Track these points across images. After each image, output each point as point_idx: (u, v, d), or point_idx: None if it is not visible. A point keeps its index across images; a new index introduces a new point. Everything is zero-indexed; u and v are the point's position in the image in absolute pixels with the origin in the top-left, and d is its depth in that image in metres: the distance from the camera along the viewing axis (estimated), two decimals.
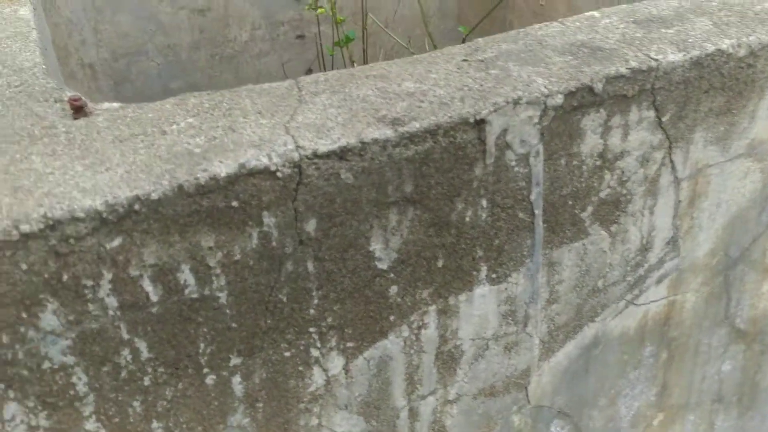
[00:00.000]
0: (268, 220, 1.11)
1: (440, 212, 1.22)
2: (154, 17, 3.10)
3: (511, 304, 1.38)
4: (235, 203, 1.08)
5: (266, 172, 1.08)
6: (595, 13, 1.46)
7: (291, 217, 1.13)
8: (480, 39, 1.39)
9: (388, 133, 1.12)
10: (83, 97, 1.22)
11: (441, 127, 1.15)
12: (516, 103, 1.19)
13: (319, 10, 2.56)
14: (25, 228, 0.98)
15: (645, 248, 1.44)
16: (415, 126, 1.14)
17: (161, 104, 1.23)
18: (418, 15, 3.47)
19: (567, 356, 1.50)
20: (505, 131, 1.20)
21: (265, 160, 1.07)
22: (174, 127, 1.16)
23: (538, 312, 1.41)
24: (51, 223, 0.99)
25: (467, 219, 1.25)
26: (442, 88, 1.22)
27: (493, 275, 1.33)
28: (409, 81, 1.25)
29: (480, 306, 1.35)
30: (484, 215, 1.26)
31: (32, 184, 1.04)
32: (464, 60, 1.30)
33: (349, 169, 1.12)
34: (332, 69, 3.04)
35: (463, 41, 2.31)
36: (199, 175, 1.05)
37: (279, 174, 1.08)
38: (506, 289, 1.36)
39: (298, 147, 1.10)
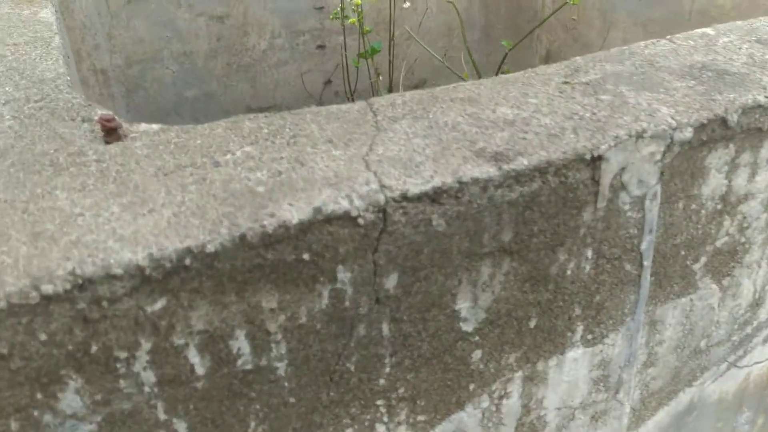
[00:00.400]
0: (343, 275, 0.88)
1: (539, 264, 1.00)
2: (171, 23, 2.87)
3: (605, 369, 1.16)
4: (306, 256, 0.85)
5: (346, 218, 0.85)
6: (709, 30, 1.24)
7: (369, 272, 0.90)
8: (578, 58, 1.16)
9: (490, 171, 0.90)
10: (116, 117, 0.98)
11: (552, 165, 0.93)
12: (639, 136, 0.96)
13: (350, 21, 2.33)
14: (47, 289, 0.74)
15: (756, 304, 1.22)
16: (522, 163, 0.91)
17: (210, 128, 1.00)
18: (442, 27, 3.25)
19: (657, 425, 1.27)
20: (622, 170, 0.98)
21: (344, 204, 0.85)
22: (228, 157, 0.93)
23: (632, 376, 1.18)
24: (80, 282, 0.76)
25: (568, 272, 1.03)
26: (546, 116, 1.00)
27: (589, 336, 1.11)
28: (504, 106, 1.03)
29: (571, 371, 1.12)
30: (587, 267, 1.04)
31: (57, 228, 0.80)
32: (565, 82, 1.08)
33: (443, 215, 0.89)
34: (356, 81, 2.81)
35: (506, 56, 2.09)
36: (265, 222, 0.82)
37: (361, 220, 0.85)
38: (601, 351, 1.14)
39: (382, 187, 0.87)
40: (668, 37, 1.23)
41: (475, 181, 0.89)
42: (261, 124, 1.00)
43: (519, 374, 1.08)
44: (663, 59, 1.14)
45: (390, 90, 2.67)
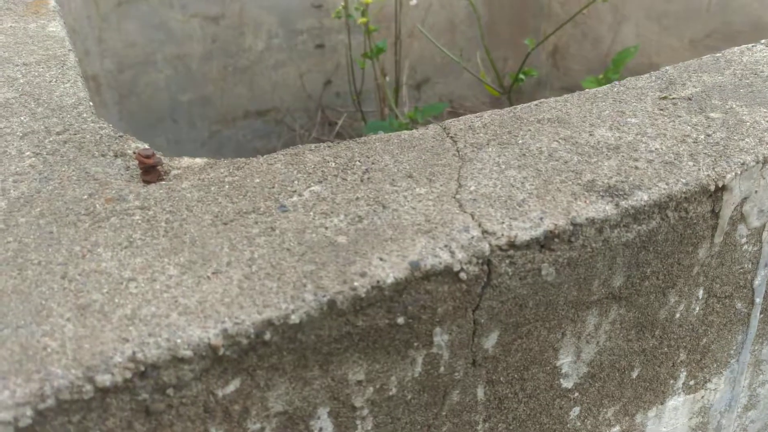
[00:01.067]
0: (440, 338, 0.74)
1: (648, 309, 0.86)
2: (163, 25, 2.69)
3: (704, 415, 1.02)
4: (400, 319, 0.70)
5: (447, 274, 0.70)
6: None
7: (468, 332, 0.75)
8: (668, 68, 1.02)
9: (607, 209, 0.76)
10: (155, 151, 0.83)
11: (673, 199, 0.79)
12: (766, 161, 0.83)
13: (360, 21, 2.18)
14: (103, 380, 0.59)
15: None
16: (641, 198, 0.77)
17: (267, 163, 0.85)
18: (444, 23, 3.10)
19: None
20: (744, 200, 0.84)
21: (445, 256, 0.70)
22: (296, 199, 0.78)
23: (732, 421, 1.05)
24: (142, 368, 0.61)
25: (677, 315, 0.89)
26: (654, 140, 0.86)
27: (692, 382, 0.98)
28: (601, 128, 0.89)
29: (670, 421, 0.99)
30: (697, 308, 0.90)
31: (106, 299, 0.65)
32: (663, 97, 0.94)
33: (553, 262, 0.75)
34: (362, 82, 2.66)
35: (527, 56, 1.95)
36: (356, 283, 0.67)
37: (463, 275, 0.71)
38: (702, 397, 1.00)
39: (485, 233, 0.73)
40: (764, 41, 1.09)
41: (591, 222, 0.75)
42: (326, 157, 0.85)
43: (616, 429, 0.95)
44: (767, 67, 1.01)
45: (396, 91, 2.52)
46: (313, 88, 3.00)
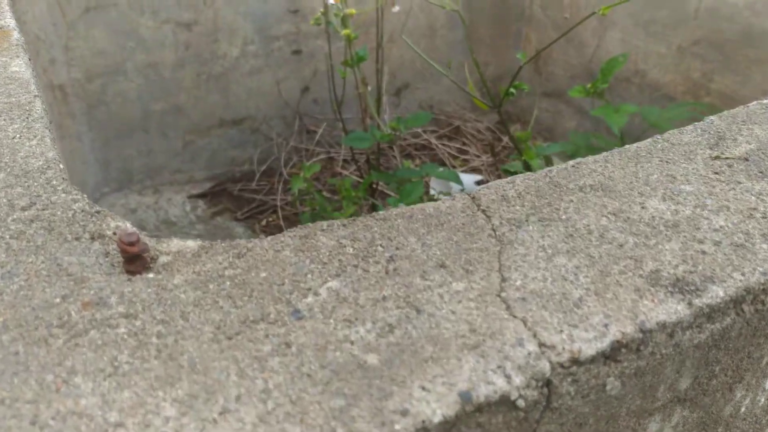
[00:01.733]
0: None
1: (713, 408, 0.74)
2: (134, 32, 2.51)
3: None
4: None
5: (502, 403, 0.57)
6: None
7: None
8: (712, 118, 0.90)
9: (679, 310, 0.63)
10: (139, 235, 0.69)
11: (750, 292, 0.66)
12: None
13: (344, 32, 2.03)
14: None
15: None
16: (716, 294, 0.65)
17: (272, 248, 0.71)
18: (424, 27, 2.96)
19: None
20: None
21: (500, 382, 0.57)
22: (311, 300, 0.64)
23: None
24: None
25: (742, 409, 0.77)
26: (717, 214, 0.73)
27: None
28: (653, 198, 0.76)
29: None
30: (762, 400, 0.78)
31: None
32: (715, 157, 0.82)
33: (619, 375, 0.63)
34: (343, 92, 2.52)
35: (520, 69, 1.82)
36: (398, 426, 0.54)
37: (520, 402, 0.58)
38: None
39: (542, 346, 0.60)
40: None
41: (662, 326, 0.63)
42: (341, 240, 0.71)
43: None
44: None
45: (378, 100, 2.38)
46: (290, 95, 2.85)
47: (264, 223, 2.67)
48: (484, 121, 3.19)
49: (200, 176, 2.83)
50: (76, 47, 2.44)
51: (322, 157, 2.95)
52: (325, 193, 2.76)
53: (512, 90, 1.68)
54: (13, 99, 0.91)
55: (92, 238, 0.70)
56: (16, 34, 1.04)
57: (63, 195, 0.76)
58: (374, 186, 2.40)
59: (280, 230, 2.71)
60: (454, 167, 2.95)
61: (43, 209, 0.74)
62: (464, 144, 3.10)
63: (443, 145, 3.07)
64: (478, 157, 3.00)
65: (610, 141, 2.27)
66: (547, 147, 1.94)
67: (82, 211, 0.74)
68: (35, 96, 0.91)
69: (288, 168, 2.89)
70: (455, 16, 3.01)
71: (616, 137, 2.20)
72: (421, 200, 2.15)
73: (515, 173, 1.83)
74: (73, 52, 2.45)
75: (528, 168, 1.79)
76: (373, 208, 2.40)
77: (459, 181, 2.19)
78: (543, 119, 3.02)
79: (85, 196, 0.75)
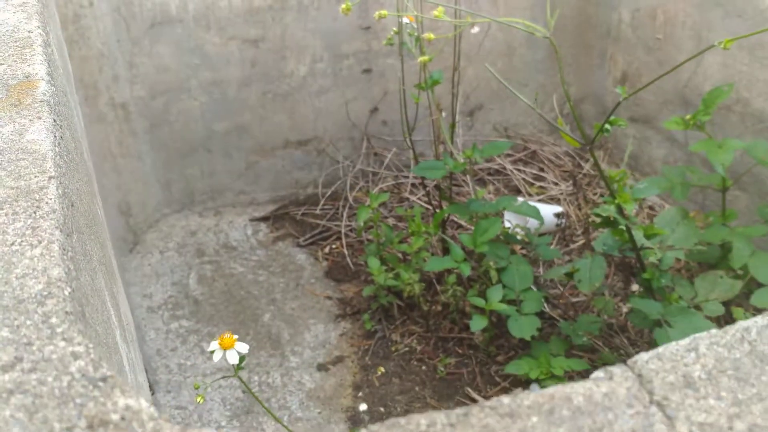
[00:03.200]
0: None
1: None
2: (199, 49, 2.37)
3: None
4: None
5: None
6: None
7: None
8: None
9: None
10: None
11: None
12: None
13: (421, 59, 1.82)
14: None
15: None
16: None
17: None
18: (501, 46, 2.74)
19: None
20: None
21: None
22: None
23: None
24: None
25: None
26: None
27: None
28: None
29: None
30: None
31: None
32: None
33: None
34: (415, 117, 2.32)
35: (618, 105, 1.59)
36: None
37: None
38: None
39: None
40: None
41: None
42: None
43: None
44: None
45: (452, 126, 2.17)
46: (357, 115, 2.66)
47: (327, 250, 2.49)
48: (562, 145, 2.96)
49: (263, 198, 2.67)
50: (140, 64, 2.30)
51: (390, 183, 2.75)
52: (391, 220, 2.56)
53: (608, 127, 1.46)
54: (23, 182, 0.72)
55: (90, 427, 0.51)
56: (43, 86, 0.84)
57: (62, 344, 0.57)
58: (445, 217, 2.19)
59: (343, 258, 2.55)
60: (530, 195, 2.72)
61: (31, 370, 0.55)
62: (541, 170, 2.87)
63: (518, 170, 2.84)
64: (557, 184, 2.76)
65: (707, 175, 2.01)
66: (641, 187, 1.71)
67: (83, 375, 0.54)
68: (51, 177, 0.71)
69: (354, 192, 2.70)
70: (534, 36, 2.78)
71: (715, 171, 1.95)
72: (498, 239, 1.94)
73: (608, 219, 1.61)
74: (137, 69, 2.31)
75: (621, 213, 1.56)
76: (444, 244, 2.19)
77: (539, 217, 1.97)
78: (628, 146, 2.76)
79: (90, 347, 0.56)
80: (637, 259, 1.68)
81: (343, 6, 1.41)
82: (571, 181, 2.75)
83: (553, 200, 2.68)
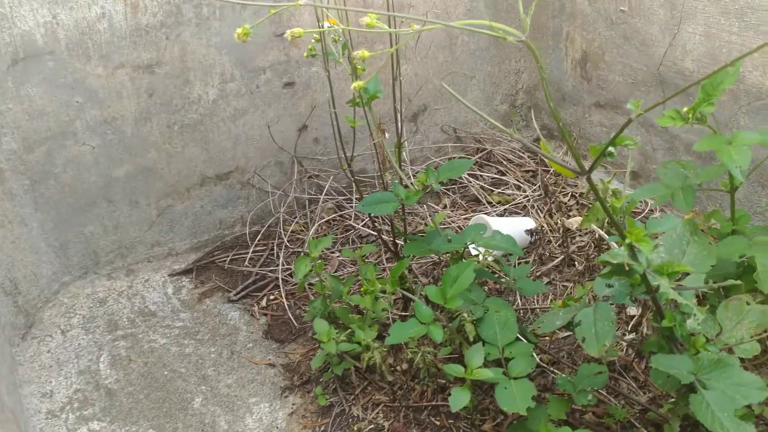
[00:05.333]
0: None
1: None
2: (80, 84, 1.91)
3: None
4: None
5: None
6: None
7: None
8: None
9: None
10: None
11: None
12: None
13: (355, 85, 1.38)
14: None
15: None
16: None
17: None
18: (441, 38, 2.33)
19: None
20: None
21: None
22: None
23: None
24: None
25: None
26: None
27: None
28: None
29: None
30: None
31: None
32: None
33: None
34: (353, 141, 1.90)
35: (629, 122, 1.20)
36: None
37: None
38: None
39: None
40: None
41: None
42: None
43: None
44: None
45: (399, 148, 1.76)
46: (284, 136, 2.24)
47: (264, 303, 2.08)
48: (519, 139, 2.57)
49: (182, 248, 2.24)
50: (6, 111, 1.84)
51: (330, 207, 2.34)
52: (337, 259, 2.15)
53: (611, 150, 1.07)
54: None
55: None
56: None
57: None
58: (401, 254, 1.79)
59: (284, 312, 2.12)
60: (492, 204, 2.33)
61: None
62: (500, 173, 2.48)
63: (475, 176, 2.45)
64: (519, 187, 2.38)
65: (707, 170, 1.63)
66: (636, 192, 1.31)
67: None
68: None
69: (291, 227, 2.28)
70: (477, 17, 2.38)
71: (718, 165, 1.58)
72: (469, 289, 1.54)
73: (620, 266, 1.22)
74: (4, 117, 1.85)
75: (634, 255, 1.18)
76: (406, 303, 1.80)
77: (517, 249, 1.58)
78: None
79: None
80: (653, 302, 1.30)
81: (239, 31, 0.99)
82: (537, 184, 2.36)
83: (519, 209, 2.29)
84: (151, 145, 2.07)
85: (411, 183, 1.62)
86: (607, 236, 1.95)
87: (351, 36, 1.62)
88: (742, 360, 1.48)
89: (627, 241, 1.14)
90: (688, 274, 1.38)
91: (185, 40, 1.98)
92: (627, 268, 1.14)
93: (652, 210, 2.18)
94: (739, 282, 1.29)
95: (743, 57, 0.93)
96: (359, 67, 1.52)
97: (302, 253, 1.88)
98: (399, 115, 1.73)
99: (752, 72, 1.77)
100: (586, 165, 1.09)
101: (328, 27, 1.57)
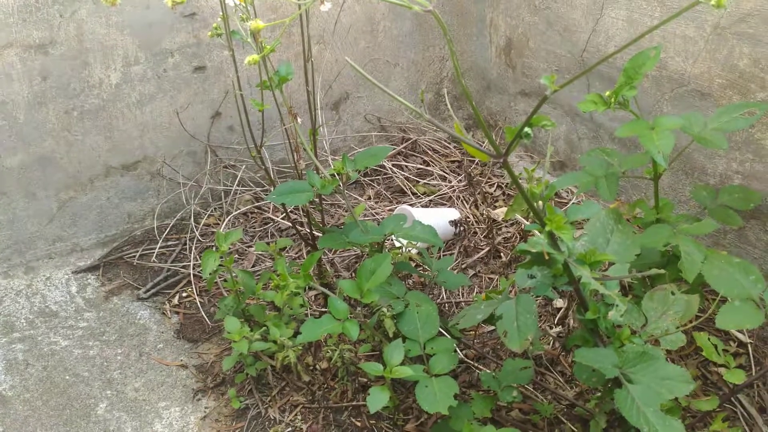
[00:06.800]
0: None
1: None
2: None
3: None
4: None
5: None
6: None
7: None
8: None
9: None
10: None
11: None
12: None
13: (249, 60, 1.28)
14: None
15: None
16: None
17: None
18: (362, 22, 2.26)
19: None
20: None
21: None
22: None
23: None
24: None
25: None
26: None
27: None
28: None
29: None
30: None
31: None
32: None
33: None
34: (262, 126, 1.80)
35: (544, 99, 1.15)
36: None
37: None
38: None
39: None
40: None
41: None
42: None
43: None
44: None
45: (313, 134, 1.67)
46: (196, 123, 2.13)
47: (176, 301, 1.96)
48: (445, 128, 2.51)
49: (87, 243, 2.10)
50: None
51: (248, 199, 2.24)
52: (252, 254, 2.05)
53: (527, 130, 1.01)
54: None
55: None
56: None
57: None
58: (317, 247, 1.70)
59: (197, 310, 2.01)
60: (416, 195, 2.26)
61: None
62: (425, 163, 2.42)
63: (399, 167, 2.38)
64: (445, 178, 2.32)
65: (631, 158, 1.59)
66: (558, 180, 1.26)
67: None
68: None
69: (204, 219, 2.17)
70: (397, 6, 2.30)
71: (642, 153, 1.55)
72: (389, 283, 1.47)
73: (540, 255, 1.16)
74: None
75: (555, 243, 1.13)
76: (325, 294, 1.71)
77: (438, 240, 1.52)
78: (548, 147, 2.34)
79: None
80: (576, 294, 1.25)
81: None
82: (462, 175, 2.31)
83: (444, 200, 2.24)
84: (48, 133, 1.93)
85: (327, 167, 1.53)
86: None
87: (257, 11, 1.53)
88: (667, 352, 1.45)
89: (547, 228, 1.08)
90: (612, 264, 1.34)
91: (82, 18, 1.84)
92: (547, 257, 1.08)
93: (579, 203, 2.15)
94: (663, 271, 1.25)
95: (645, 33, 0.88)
96: (267, 46, 1.42)
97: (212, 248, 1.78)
98: (311, 97, 1.64)
99: (674, 58, 1.75)
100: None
101: (236, 4, 1.48)
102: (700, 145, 1.58)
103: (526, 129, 1.03)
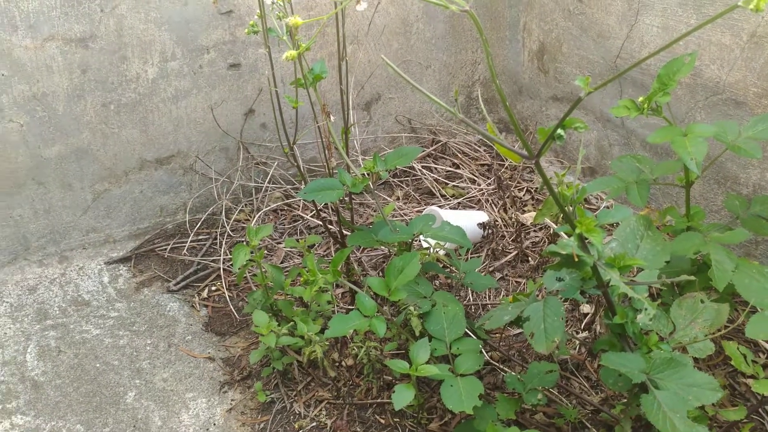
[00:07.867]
0: None
1: None
2: (6, 55, 1.80)
3: None
4: None
5: None
6: None
7: None
8: None
9: None
10: None
11: None
12: None
13: (287, 55, 1.30)
14: None
15: None
16: None
17: None
18: (396, 23, 2.27)
19: None
20: None
21: None
22: None
23: None
24: None
25: None
26: None
27: None
28: None
29: None
30: None
31: None
32: None
33: None
34: (296, 122, 1.82)
35: (578, 101, 1.15)
36: None
37: None
38: None
39: None
40: None
41: None
42: None
43: None
44: None
45: (345, 133, 1.69)
46: (229, 120, 2.15)
47: (205, 294, 1.99)
48: (475, 133, 2.52)
49: (120, 234, 2.13)
50: None
51: (278, 196, 2.26)
52: (283, 249, 2.07)
53: (560, 132, 1.01)
54: None
55: None
56: None
57: None
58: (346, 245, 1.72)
59: (226, 303, 2.04)
60: (445, 197, 2.27)
61: None
62: (455, 165, 2.43)
63: (429, 168, 2.39)
64: (474, 181, 2.33)
65: (663, 165, 1.59)
66: (589, 184, 1.26)
67: None
68: None
69: (234, 215, 2.19)
70: (431, 7, 2.31)
71: (673, 161, 1.54)
72: (416, 282, 1.48)
73: (570, 257, 1.16)
74: None
75: (584, 246, 1.13)
76: (354, 297, 1.73)
77: (466, 241, 1.52)
78: (580, 150, 2.34)
79: None
80: (604, 298, 1.25)
81: None
82: (492, 178, 2.31)
83: (473, 203, 2.24)
84: (85, 125, 1.96)
85: (358, 166, 1.55)
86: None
87: (294, 9, 1.54)
88: (695, 360, 1.44)
89: (577, 231, 1.09)
90: (641, 269, 1.34)
91: (122, 14, 1.88)
92: (576, 260, 1.08)
93: (608, 208, 2.15)
94: (693, 278, 1.24)
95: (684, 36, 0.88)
96: (302, 44, 1.44)
97: (243, 242, 1.80)
98: (344, 96, 1.66)
99: (709, 66, 1.74)
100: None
101: (273, 2, 1.50)
102: (734, 154, 1.57)
103: (559, 131, 1.04)
